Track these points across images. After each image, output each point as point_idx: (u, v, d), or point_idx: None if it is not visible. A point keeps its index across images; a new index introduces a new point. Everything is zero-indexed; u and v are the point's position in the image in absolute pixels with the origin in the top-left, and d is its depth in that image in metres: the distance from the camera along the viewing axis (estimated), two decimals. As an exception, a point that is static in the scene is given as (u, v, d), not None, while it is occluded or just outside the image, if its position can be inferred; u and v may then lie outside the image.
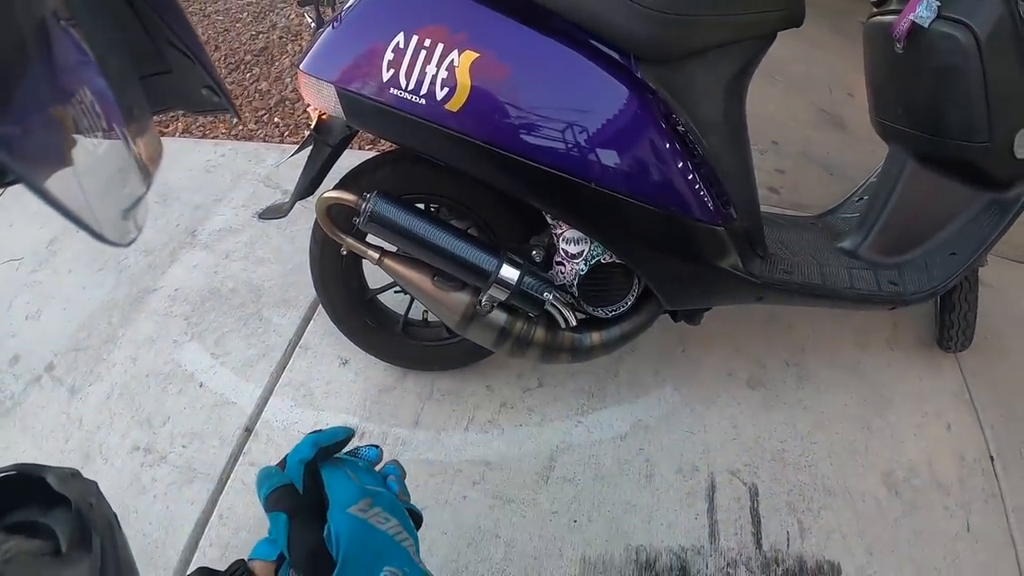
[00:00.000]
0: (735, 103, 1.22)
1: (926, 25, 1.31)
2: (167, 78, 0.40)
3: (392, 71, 1.07)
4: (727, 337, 1.74)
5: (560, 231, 1.26)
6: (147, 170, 0.35)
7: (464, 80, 1.06)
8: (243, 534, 1.34)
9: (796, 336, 1.79)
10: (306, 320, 1.76)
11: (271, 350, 1.69)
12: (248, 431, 1.53)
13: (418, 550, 0.59)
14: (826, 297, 1.44)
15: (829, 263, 1.53)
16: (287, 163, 2.15)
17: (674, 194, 1.17)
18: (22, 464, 0.41)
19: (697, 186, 1.18)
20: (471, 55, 1.05)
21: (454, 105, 1.06)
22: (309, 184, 1.34)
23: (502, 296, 1.22)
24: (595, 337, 1.35)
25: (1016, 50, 1.28)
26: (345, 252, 1.30)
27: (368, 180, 1.29)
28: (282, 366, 1.66)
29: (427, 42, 1.05)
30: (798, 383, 1.69)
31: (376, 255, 1.26)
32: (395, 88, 1.08)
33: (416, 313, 1.54)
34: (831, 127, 2.69)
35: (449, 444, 1.47)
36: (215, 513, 1.38)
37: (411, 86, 1.07)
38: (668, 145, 1.14)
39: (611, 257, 1.25)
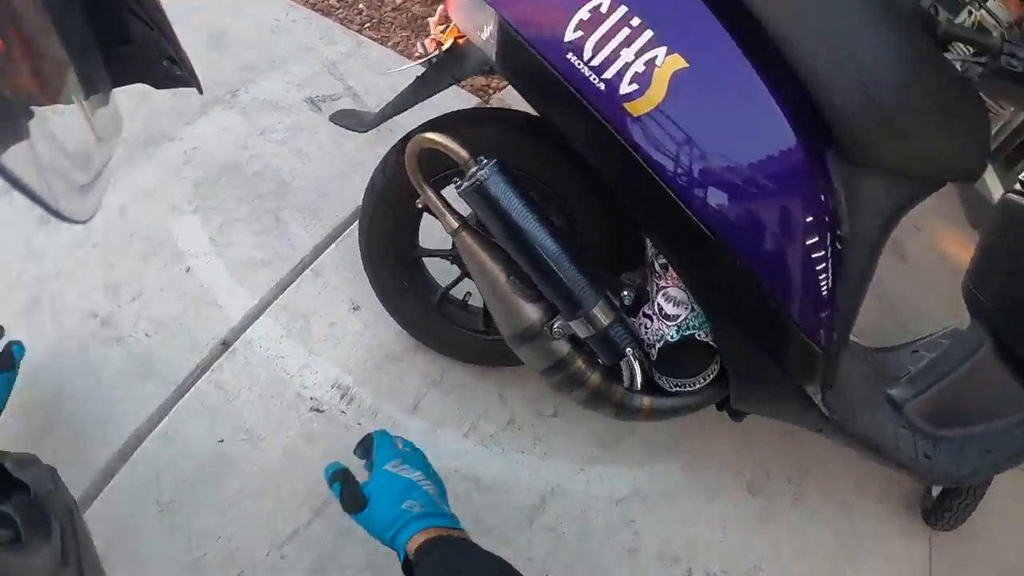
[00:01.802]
0: (885, 234, 1.09)
1: None
2: (129, 51, 0.37)
3: (580, 34, 0.86)
4: (745, 433, 1.62)
5: (664, 285, 1.09)
6: (105, 144, 0.34)
7: (659, 86, 0.86)
8: (184, 465, 1.15)
9: (806, 455, 1.68)
10: (329, 240, 1.54)
11: (279, 260, 1.48)
12: (225, 345, 1.32)
13: (443, 495, 0.94)
14: (874, 451, 1.34)
15: (880, 411, 1.43)
16: (364, 62, 1.88)
17: (800, 297, 1.02)
18: None
19: (821, 299, 1.04)
20: (678, 61, 0.85)
21: (636, 108, 0.86)
22: (403, 108, 1.13)
23: (581, 332, 1.04)
24: (646, 401, 1.19)
25: None
26: (420, 204, 1.10)
27: (470, 133, 1.08)
28: (285, 284, 1.45)
29: (635, 21, 0.85)
30: (793, 504, 1.59)
31: (456, 224, 1.06)
32: (575, 54, 0.86)
33: (458, 292, 1.35)
34: (892, 255, 2.58)
35: (443, 446, 1.31)
36: (160, 427, 1.19)
37: (595, 62, 0.86)
38: (822, 251, 0.99)
39: (706, 336, 1.10)
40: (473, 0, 0.93)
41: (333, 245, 1.54)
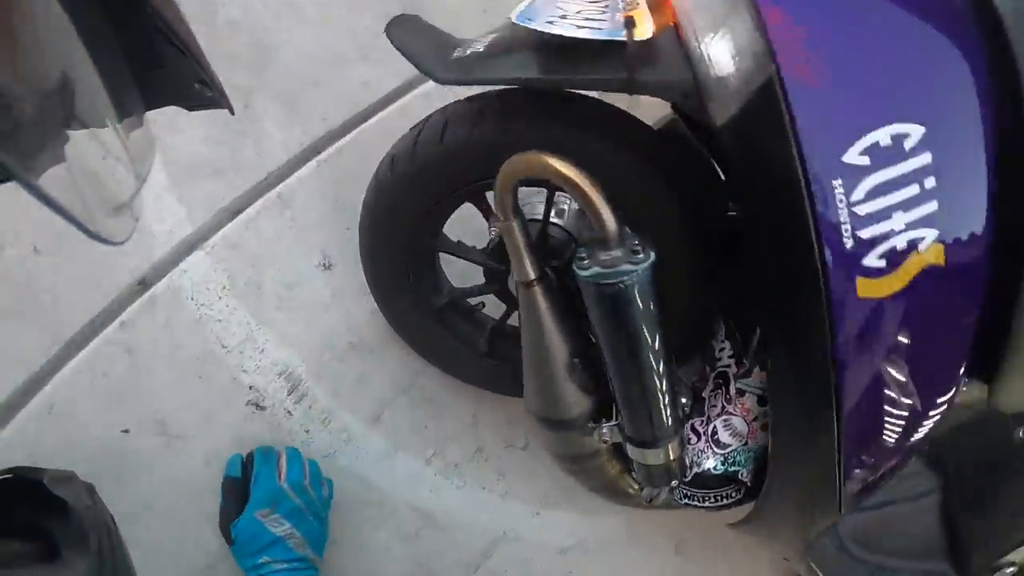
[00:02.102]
0: None
1: None
2: (160, 75, 0.36)
3: (865, 162, 0.56)
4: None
5: (732, 411, 0.92)
6: (140, 167, 0.34)
7: (904, 275, 0.61)
8: (71, 455, 0.85)
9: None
10: (309, 154, 1.15)
11: (235, 170, 1.08)
12: (142, 286, 0.97)
13: (317, 541, 0.91)
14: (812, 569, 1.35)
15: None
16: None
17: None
18: (19, 467, 0.41)
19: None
20: (938, 256, 0.61)
21: (866, 288, 0.62)
22: (508, 79, 0.77)
23: (637, 458, 0.86)
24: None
25: None
26: (494, 235, 0.79)
27: (571, 139, 0.78)
28: (239, 207, 1.07)
29: (929, 182, 0.58)
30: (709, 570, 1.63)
31: (532, 276, 0.78)
32: (843, 184, 0.58)
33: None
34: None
35: (401, 471, 1.10)
36: (42, 395, 0.86)
37: (860, 210, 0.57)
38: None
39: (747, 475, 0.96)
40: (730, 5, 0.60)
41: (314, 163, 1.15)
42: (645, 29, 0.62)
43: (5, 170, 0.21)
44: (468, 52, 0.77)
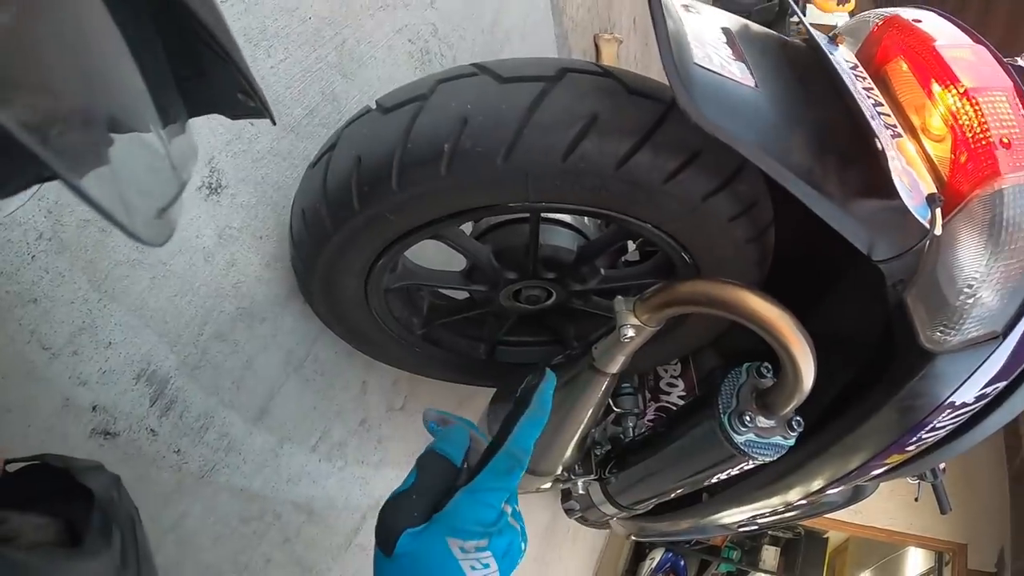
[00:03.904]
0: None
1: None
2: (202, 82, 0.36)
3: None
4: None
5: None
6: (180, 172, 0.35)
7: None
8: None
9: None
10: None
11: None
12: None
13: None
14: None
15: None
16: None
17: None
18: (46, 455, 0.39)
19: None
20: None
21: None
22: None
23: (594, 500, 0.85)
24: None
25: None
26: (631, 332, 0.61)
27: None
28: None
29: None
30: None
31: (615, 371, 0.67)
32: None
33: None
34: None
35: (285, 468, 0.86)
36: None
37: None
38: None
39: None
40: None
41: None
42: (939, 225, 0.49)
43: (50, 169, 0.21)
44: (714, 66, 0.50)
